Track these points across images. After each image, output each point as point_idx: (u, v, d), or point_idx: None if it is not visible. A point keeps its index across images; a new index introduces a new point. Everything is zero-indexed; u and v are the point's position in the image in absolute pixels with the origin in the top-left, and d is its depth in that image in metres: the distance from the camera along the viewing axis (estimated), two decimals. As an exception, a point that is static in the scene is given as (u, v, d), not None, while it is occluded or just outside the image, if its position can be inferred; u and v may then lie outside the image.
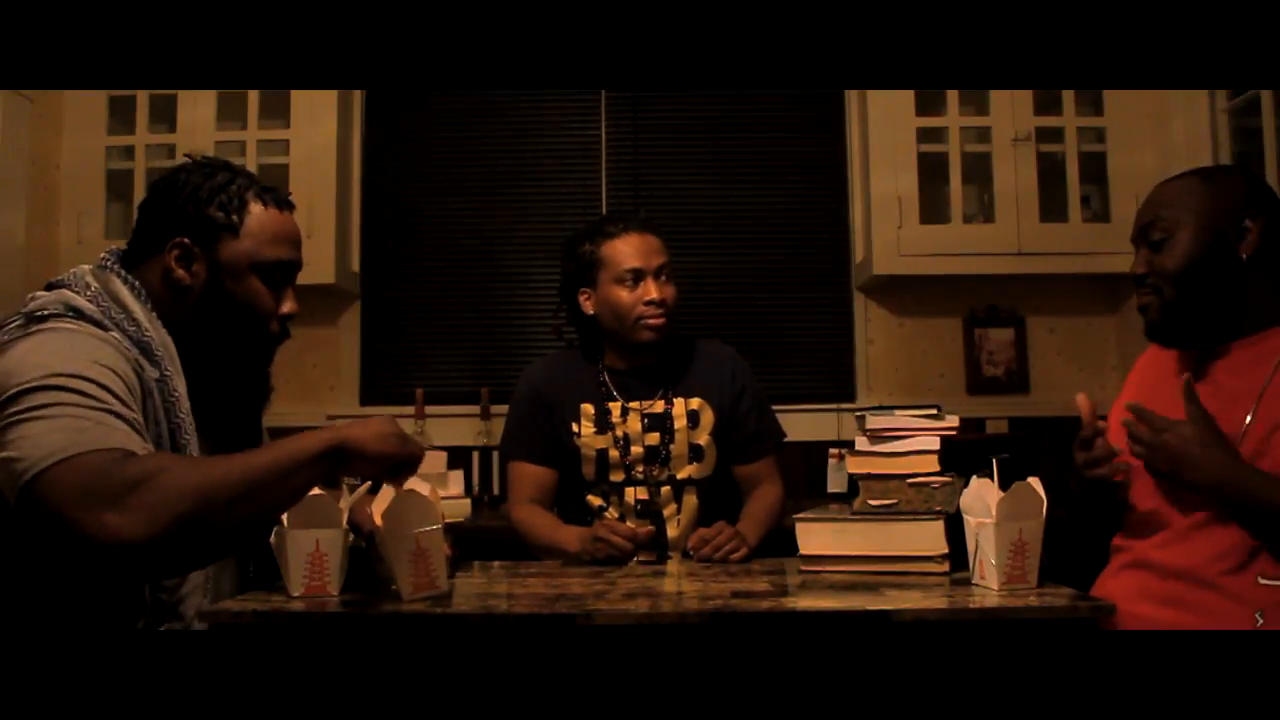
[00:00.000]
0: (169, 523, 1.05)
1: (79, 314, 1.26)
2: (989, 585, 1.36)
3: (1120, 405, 1.60)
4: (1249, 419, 1.37)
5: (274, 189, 1.42)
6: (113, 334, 1.25)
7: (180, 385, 1.31)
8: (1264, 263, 1.42)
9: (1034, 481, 1.38)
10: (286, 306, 1.40)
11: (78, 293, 1.29)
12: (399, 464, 1.25)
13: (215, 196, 1.36)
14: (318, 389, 3.19)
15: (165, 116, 2.98)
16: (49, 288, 1.31)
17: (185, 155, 1.46)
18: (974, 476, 1.42)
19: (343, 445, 1.18)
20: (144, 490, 1.05)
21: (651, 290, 1.95)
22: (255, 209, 1.37)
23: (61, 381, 1.13)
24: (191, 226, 1.34)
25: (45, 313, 1.24)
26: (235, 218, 1.35)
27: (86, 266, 1.35)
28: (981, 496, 1.38)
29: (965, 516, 1.41)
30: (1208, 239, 1.43)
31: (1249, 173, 1.57)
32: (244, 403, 1.46)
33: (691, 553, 1.79)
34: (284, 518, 1.31)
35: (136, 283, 1.33)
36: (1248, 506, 1.32)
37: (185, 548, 1.07)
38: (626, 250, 1.98)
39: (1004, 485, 1.38)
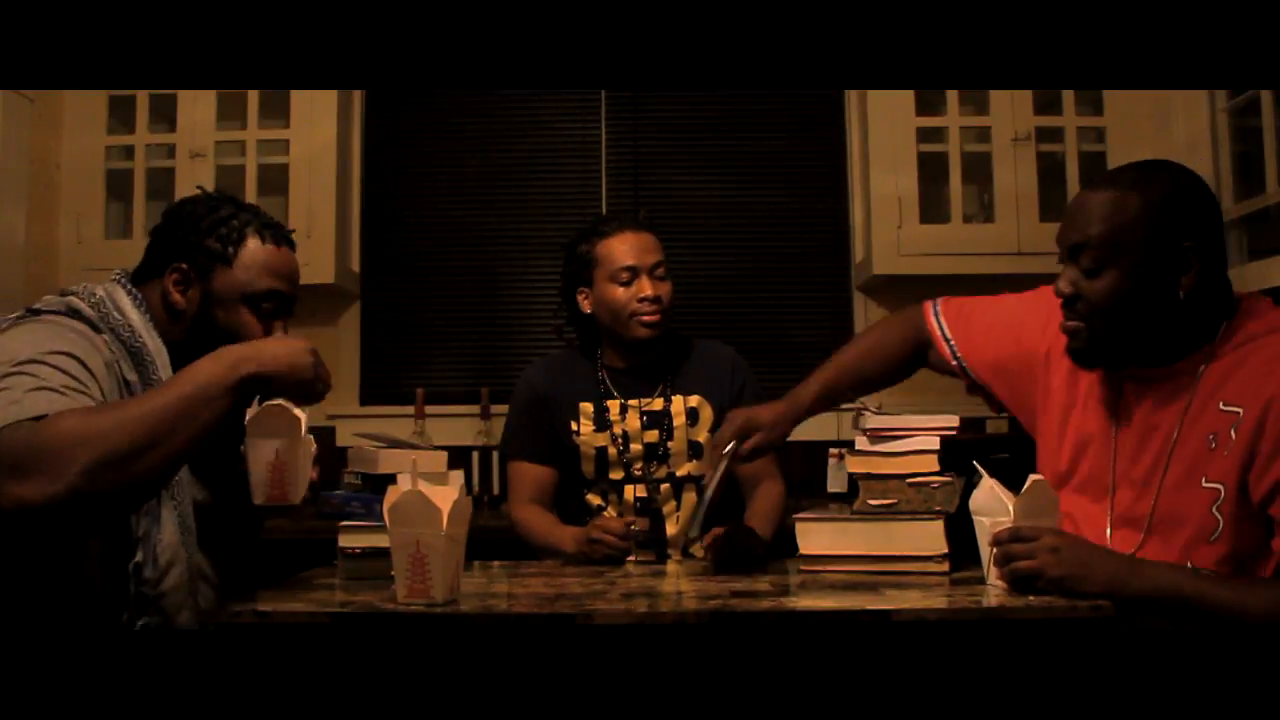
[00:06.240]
0: (71, 478, 1.04)
1: (75, 314, 1.31)
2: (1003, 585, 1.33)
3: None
4: (1170, 451, 1.34)
5: (276, 225, 1.46)
6: (103, 336, 1.30)
7: None
8: (1198, 293, 1.33)
9: (1043, 478, 1.37)
10: None
11: (83, 299, 1.34)
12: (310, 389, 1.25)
13: (215, 229, 1.41)
14: (318, 389, 3.18)
15: (165, 116, 2.98)
16: (61, 295, 1.36)
17: (198, 187, 1.51)
18: (982, 476, 1.39)
19: (256, 375, 1.19)
20: (42, 451, 1.05)
21: (646, 287, 1.96)
22: (252, 243, 1.42)
23: (19, 368, 1.15)
24: (190, 254, 1.40)
25: (42, 309, 1.30)
26: (231, 249, 1.40)
27: (99, 283, 1.39)
28: (996, 496, 1.36)
29: (979, 519, 1.38)
30: (1144, 275, 1.33)
31: (1186, 177, 1.41)
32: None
33: (708, 554, 1.78)
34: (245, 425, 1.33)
35: (139, 295, 1.39)
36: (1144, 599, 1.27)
37: (99, 497, 1.07)
38: (621, 248, 1.98)
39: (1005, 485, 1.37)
